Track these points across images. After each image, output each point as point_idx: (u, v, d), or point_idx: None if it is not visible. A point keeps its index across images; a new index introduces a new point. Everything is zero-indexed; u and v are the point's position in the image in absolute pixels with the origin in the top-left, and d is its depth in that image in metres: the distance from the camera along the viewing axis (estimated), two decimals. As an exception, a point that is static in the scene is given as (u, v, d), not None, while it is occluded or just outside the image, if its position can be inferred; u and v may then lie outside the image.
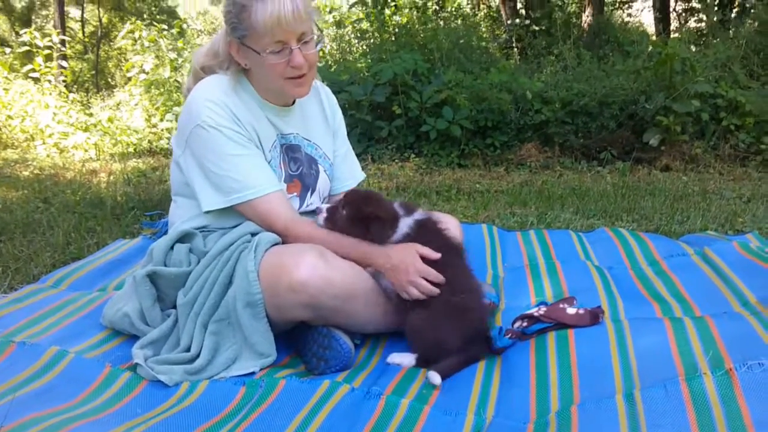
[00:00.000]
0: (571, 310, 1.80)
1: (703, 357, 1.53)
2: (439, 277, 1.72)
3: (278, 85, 1.83)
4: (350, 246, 1.78)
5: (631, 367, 1.55)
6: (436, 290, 1.72)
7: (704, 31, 8.64)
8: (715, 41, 6.93)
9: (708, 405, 1.27)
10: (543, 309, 1.81)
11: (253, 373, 1.65)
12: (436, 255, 1.74)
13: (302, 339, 1.79)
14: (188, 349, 1.69)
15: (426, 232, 1.83)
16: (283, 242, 1.79)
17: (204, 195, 1.83)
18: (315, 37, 1.81)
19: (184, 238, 1.90)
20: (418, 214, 1.86)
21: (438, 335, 1.69)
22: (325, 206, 1.87)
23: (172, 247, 1.87)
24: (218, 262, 1.74)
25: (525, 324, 1.78)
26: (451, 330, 1.69)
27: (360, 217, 1.79)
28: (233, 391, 1.55)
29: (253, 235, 1.80)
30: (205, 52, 1.95)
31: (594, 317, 1.78)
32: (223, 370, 1.65)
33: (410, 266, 1.71)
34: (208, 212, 1.85)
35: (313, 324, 1.73)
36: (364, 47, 7.47)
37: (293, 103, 2.00)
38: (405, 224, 1.82)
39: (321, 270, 1.61)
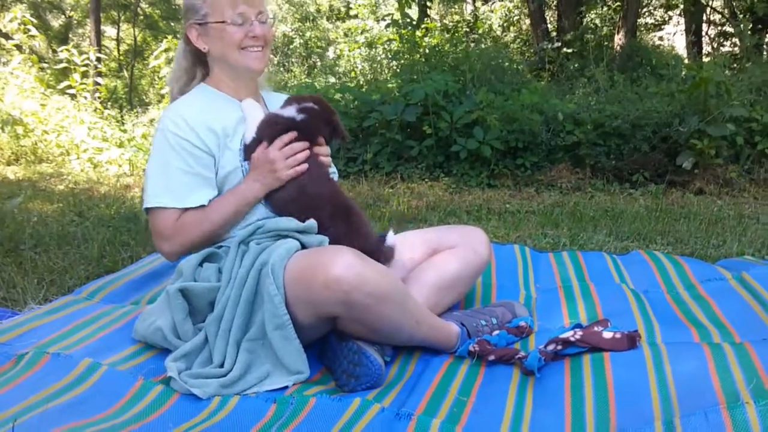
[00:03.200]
0: (607, 334, 1.76)
1: (745, 386, 1.49)
2: (303, 144, 1.93)
3: (235, 57, 1.95)
4: (226, 199, 1.93)
5: (669, 393, 1.51)
6: (305, 155, 1.93)
7: (738, 55, 8.55)
8: (749, 65, 6.85)
9: (751, 434, 1.23)
10: (579, 333, 1.77)
11: (285, 388, 1.64)
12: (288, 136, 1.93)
13: (333, 355, 1.78)
14: (221, 366, 1.69)
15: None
16: (169, 244, 1.94)
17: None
18: (270, 19, 1.98)
19: (212, 257, 1.92)
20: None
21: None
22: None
23: (201, 264, 1.89)
24: (236, 280, 1.74)
25: (560, 347, 1.75)
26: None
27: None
28: (264, 408, 1.54)
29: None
30: (174, 78, 2.11)
31: (631, 341, 1.74)
32: (255, 385, 1.65)
33: (264, 159, 1.90)
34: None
35: (344, 329, 1.73)
36: (395, 68, 7.50)
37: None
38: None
39: (356, 268, 1.61)
